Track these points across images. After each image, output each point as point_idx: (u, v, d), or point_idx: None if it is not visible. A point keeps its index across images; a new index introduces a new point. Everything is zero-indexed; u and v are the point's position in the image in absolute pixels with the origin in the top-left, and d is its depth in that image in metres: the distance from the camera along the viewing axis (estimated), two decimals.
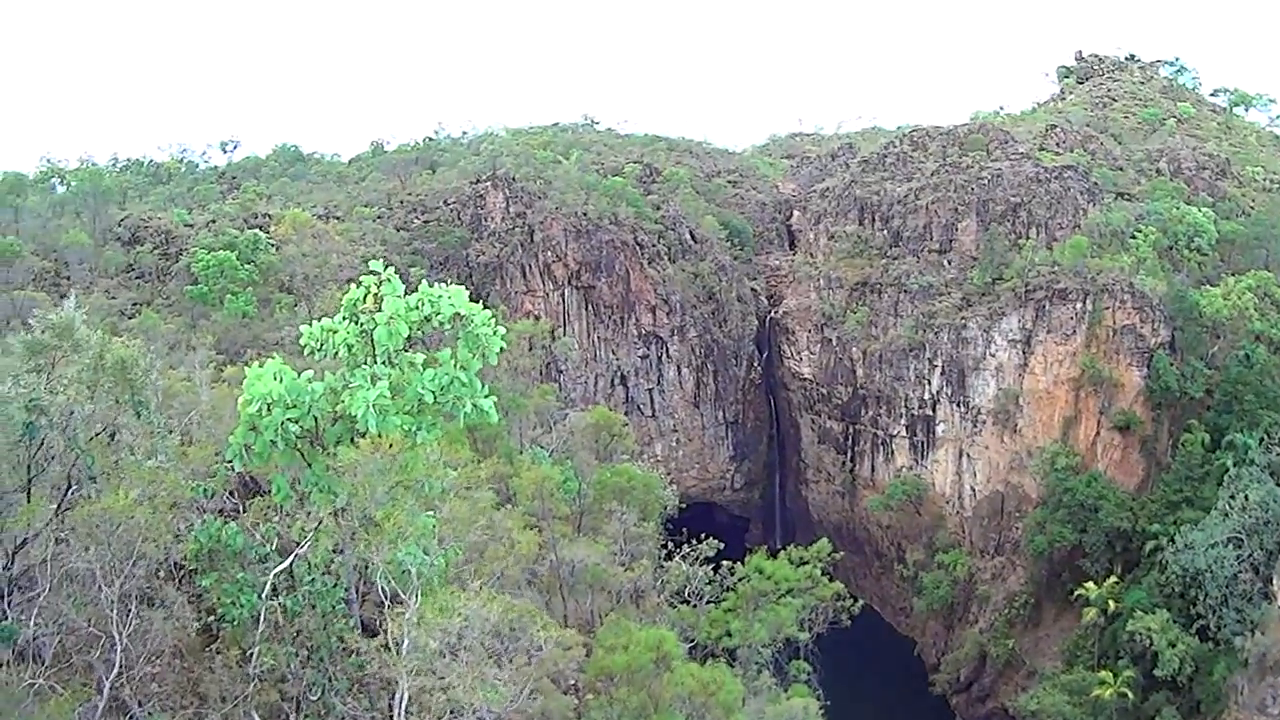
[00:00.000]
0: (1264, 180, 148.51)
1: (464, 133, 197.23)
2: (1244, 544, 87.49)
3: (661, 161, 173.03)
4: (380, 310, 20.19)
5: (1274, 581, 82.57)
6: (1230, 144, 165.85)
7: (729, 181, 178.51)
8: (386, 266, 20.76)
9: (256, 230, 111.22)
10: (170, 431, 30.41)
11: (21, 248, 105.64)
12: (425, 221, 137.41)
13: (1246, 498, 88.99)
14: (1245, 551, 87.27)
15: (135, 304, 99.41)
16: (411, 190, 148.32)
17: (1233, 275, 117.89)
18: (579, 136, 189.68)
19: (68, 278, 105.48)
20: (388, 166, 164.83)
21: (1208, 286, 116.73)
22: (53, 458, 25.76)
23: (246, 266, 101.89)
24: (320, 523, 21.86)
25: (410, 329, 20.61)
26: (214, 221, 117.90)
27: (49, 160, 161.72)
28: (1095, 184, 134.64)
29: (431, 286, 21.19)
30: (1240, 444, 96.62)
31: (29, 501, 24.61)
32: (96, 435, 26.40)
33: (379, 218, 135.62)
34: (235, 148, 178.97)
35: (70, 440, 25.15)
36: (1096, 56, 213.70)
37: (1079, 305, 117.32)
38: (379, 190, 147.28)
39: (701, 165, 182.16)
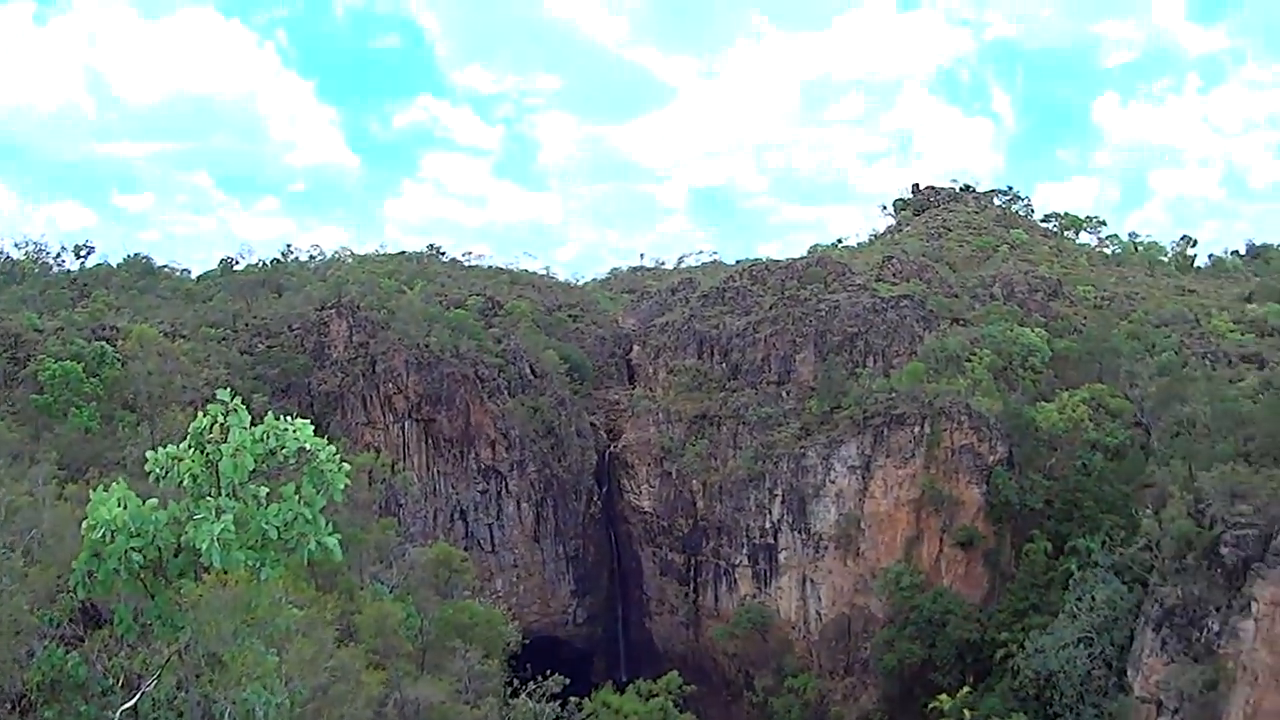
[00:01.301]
0: (1095, 298, 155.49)
1: (311, 257, 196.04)
2: (1095, 642, 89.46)
3: (504, 294, 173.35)
4: (226, 441, 19.49)
5: (1128, 674, 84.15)
6: (1062, 266, 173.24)
7: (570, 315, 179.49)
8: (233, 395, 20.12)
9: (104, 343, 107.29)
10: (13, 550, 29.05)
11: None
12: (269, 346, 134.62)
13: (1093, 598, 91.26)
14: (1097, 649, 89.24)
15: None
16: (257, 313, 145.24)
17: (1067, 390, 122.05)
18: (424, 266, 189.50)
19: None
20: (235, 286, 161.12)
21: (1043, 403, 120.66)
22: None
23: (92, 380, 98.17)
24: (167, 659, 20.87)
25: (255, 462, 19.91)
26: (63, 329, 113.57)
27: None
28: (931, 311, 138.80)
29: (275, 416, 20.51)
30: (1083, 548, 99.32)
31: None
32: None
33: (224, 339, 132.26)
34: (89, 253, 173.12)
35: None
36: (933, 189, 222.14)
37: (916, 429, 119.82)
38: (225, 310, 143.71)
39: (543, 299, 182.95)
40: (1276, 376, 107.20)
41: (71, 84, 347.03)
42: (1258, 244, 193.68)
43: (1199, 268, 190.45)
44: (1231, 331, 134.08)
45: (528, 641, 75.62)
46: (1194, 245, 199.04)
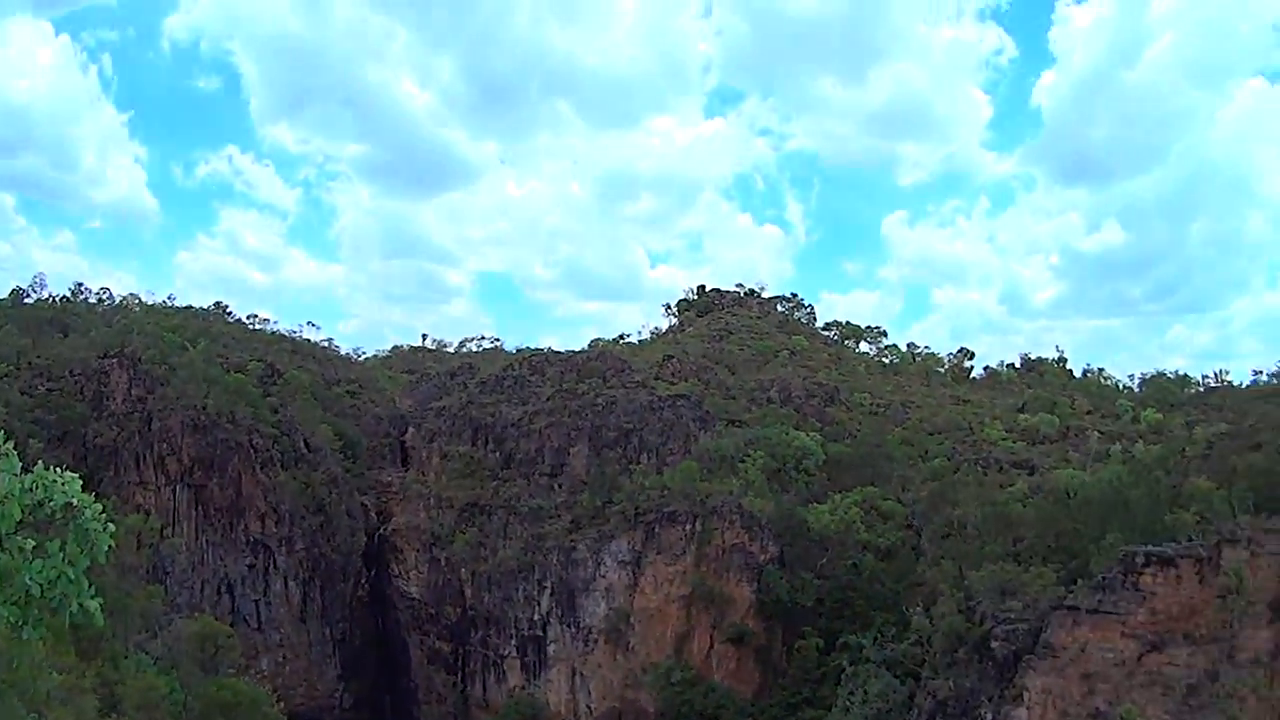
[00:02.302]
0: (871, 405, 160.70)
1: (100, 300, 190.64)
2: None
3: (285, 363, 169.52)
4: None
5: None
6: (840, 373, 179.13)
7: (348, 391, 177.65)
8: (6, 438, 19.38)
9: None
10: None
11: None
12: (49, 390, 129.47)
13: (866, 691, 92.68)
14: None
15: None
16: (42, 352, 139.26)
17: (840, 493, 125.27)
18: (209, 324, 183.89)
19: None
20: (23, 321, 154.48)
21: (815, 505, 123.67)
22: None
23: None
24: None
25: (22, 512, 19.15)
26: None
27: None
28: (707, 412, 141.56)
29: (46, 465, 19.80)
30: (854, 644, 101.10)
31: None
32: None
33: (5, 375, 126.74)
34: None
35: None
36: (718, 291, 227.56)
37: (688, 526, 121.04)
38: (11, 345, 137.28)
39: (323, 371, 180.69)
40: (1046, 481, 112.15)
41: None
42: (1032, 358, 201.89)
43: (975, 379, 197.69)
44: (1003, 439, 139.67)
45: None
46: (971, 358, 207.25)
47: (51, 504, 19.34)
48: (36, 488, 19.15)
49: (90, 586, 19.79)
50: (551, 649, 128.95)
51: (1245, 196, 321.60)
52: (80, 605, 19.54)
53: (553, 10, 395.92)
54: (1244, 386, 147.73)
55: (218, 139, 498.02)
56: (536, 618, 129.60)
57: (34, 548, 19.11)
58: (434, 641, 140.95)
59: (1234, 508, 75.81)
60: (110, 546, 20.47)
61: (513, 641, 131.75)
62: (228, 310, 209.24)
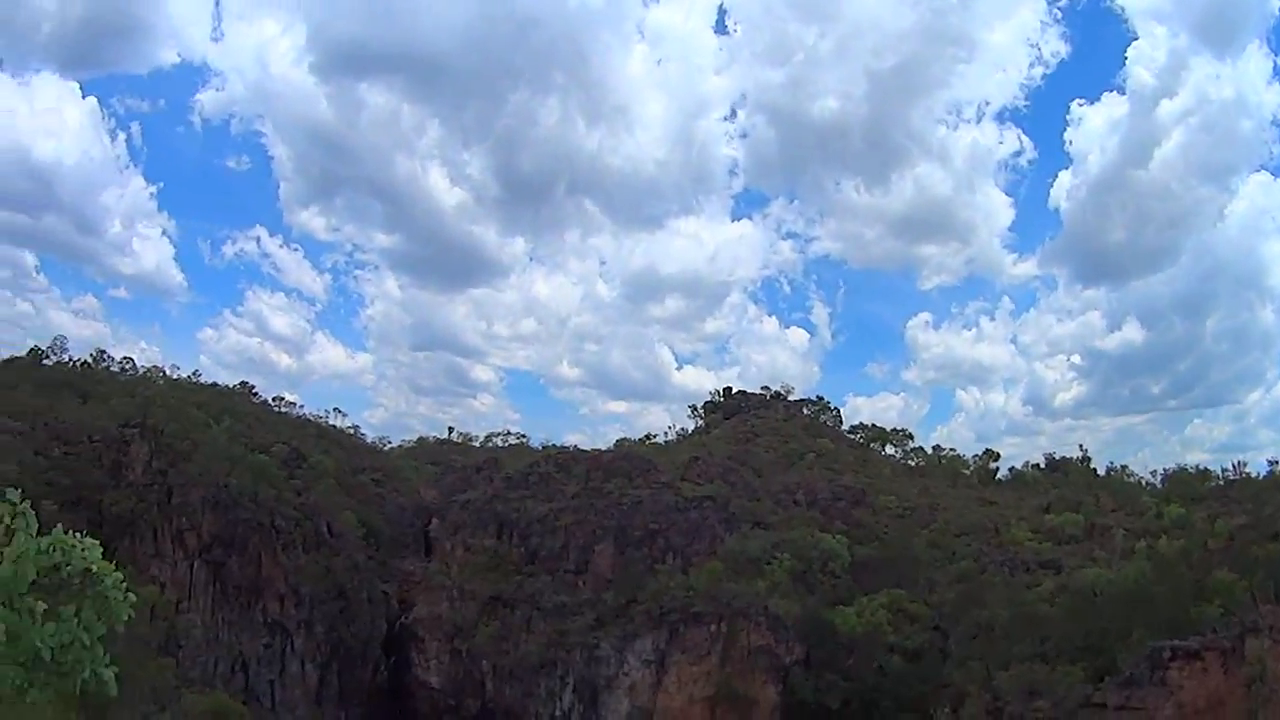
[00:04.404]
0: (897, 507, 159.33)
1: (123, 368, 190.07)
2: None
3: (310, 447, 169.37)
4: (9, 544, 17.52)
5: None
6: (866, 476, 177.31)
7: (373, 479, 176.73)
8: (24, 499, 18.22)
9: None
10: None
11: None
12: (65, 453, 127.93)
13: None
14: None
15: None
16: (59, 415, 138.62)
17: (866, 595, 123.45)
18: (234, 403, 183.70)
19: None
20: (42, 381, 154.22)
21: (842, 606, 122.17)
22: None
23: None
24: None
25: (37, 574, 17.93)
26: None
27: None
28: (733, 514, 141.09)
29: (65, 530, 18.64)
30: None
31: None
32: None
33: (21, 433, 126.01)
34: None
35: None
36: (744, 393, 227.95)
37: (713, 627, 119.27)
38: (26, 406, 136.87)
39: (349, 458, 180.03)
40: (1072, 580, 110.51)
41: None
42: (1057, 457, 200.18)
43: (1000, 480, 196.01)
44: (1029, 540, 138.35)
45: None
46: (996, 459, 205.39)
47: (69, 568, 18.28)
48: (54, 550, 18.09)
49: (105, 654, 18.66)
50: None
51: (1255, 290, 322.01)
52: (94, 673, 18.40)
53: (580, 110, 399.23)
54: (1261, 477, 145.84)
55: (246, 218, 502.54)
56: (558, 714, 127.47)
57: (45, 611, 18.00)
58: None
59: (1255, 598, 75.09)
60: (129, 618, 19.39)
61: None
62: (253, 390, 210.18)
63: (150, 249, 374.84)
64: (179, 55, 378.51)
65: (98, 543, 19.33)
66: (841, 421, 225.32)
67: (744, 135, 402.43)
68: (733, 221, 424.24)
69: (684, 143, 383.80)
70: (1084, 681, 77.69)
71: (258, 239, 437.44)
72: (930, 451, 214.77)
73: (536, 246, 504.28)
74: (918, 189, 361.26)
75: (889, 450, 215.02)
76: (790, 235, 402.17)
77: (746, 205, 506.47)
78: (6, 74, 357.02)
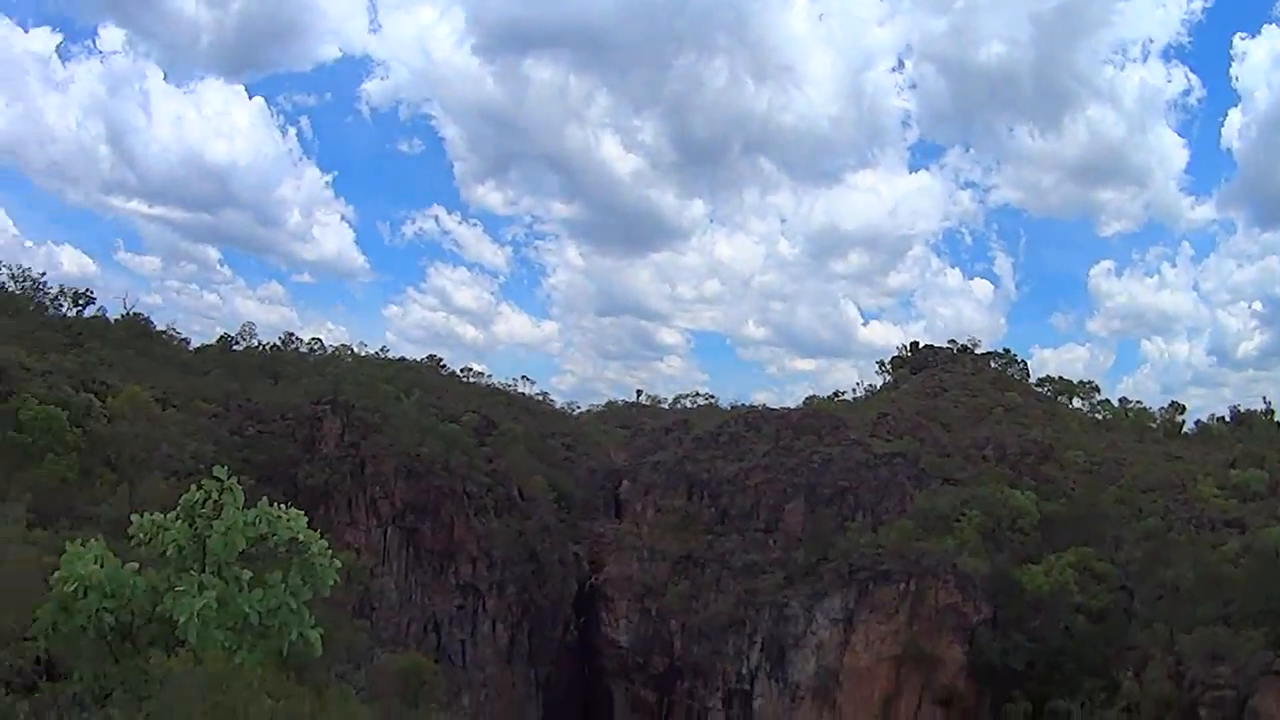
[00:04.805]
0: (1084, 463, 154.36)
1: (311, 349, 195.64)
2: None
3: (499, 415, 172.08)
4: (218, 517, 18.83)
5: None
6: (1054, 430, 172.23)
7: (563, 444, 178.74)
8: (231, 475, 19.54)
9: (92, 395, 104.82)
10: None
11: None
12: (259, 431, 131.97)
13: None
14: None
15: None
16: (252, 396, 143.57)
17: (1054, 553, 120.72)
18: (422, 376, 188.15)
19: None
20: (233, 365, 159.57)
21: (1029, 565, 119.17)
22: None
23: (75, 430, 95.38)
24: None
25: (245, 543, 19.23)
26: (51, 373, 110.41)
27: None
28: (923, 470, 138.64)
29: (269, 502, 19.93)
30: (1061, 710, 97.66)
31: None
32: None
33: (215, 415, 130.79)
34: (88, 304, 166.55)
35: None
36: (931, 348, 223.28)
37: (902, 586, 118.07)
38: (221, 388, 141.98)
39: (538, 424, 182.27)
40: (1257, 541, 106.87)
41: (88, 131, 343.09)
42: (1242, 410, 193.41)
43: (1186, 434, 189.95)
44: (1215, 497, 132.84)
45: None
46: (1182, 412, 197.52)
47: (275, 538, 19.59)
48: (260, 521, 19.41)
49: (310, 617, 19.94)
50: (757, 704, 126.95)
51: None
52: (300, 634, 19.71)
53: (747, 70, 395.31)
54: None
55: (423, 199, 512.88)
56: (745, 672, 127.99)
57: (251, 578, 19.32)
58: (639, 690, 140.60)
59: None
60: (335, 582, 20.69)
61: (719, 694, 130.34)
62: (441, 363, 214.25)
63: (330, 235, 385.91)
64: (340, 50, 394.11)
65: (302, 513, 20.70)
66: (1029, 374, 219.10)
67: (913, 86, 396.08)
68: (910, 173, 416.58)
69: (854, 96, 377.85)
70: (1265, 647, 75.33)
71: (436, 218, 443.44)
72: (1117, 405, 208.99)
73: (715, 208, 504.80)
74: (1091, 133, 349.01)
75: (1076, 403, 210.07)
76: (968, 185, 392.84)
77: (923, 156, 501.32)
78: (172, 85, 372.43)
